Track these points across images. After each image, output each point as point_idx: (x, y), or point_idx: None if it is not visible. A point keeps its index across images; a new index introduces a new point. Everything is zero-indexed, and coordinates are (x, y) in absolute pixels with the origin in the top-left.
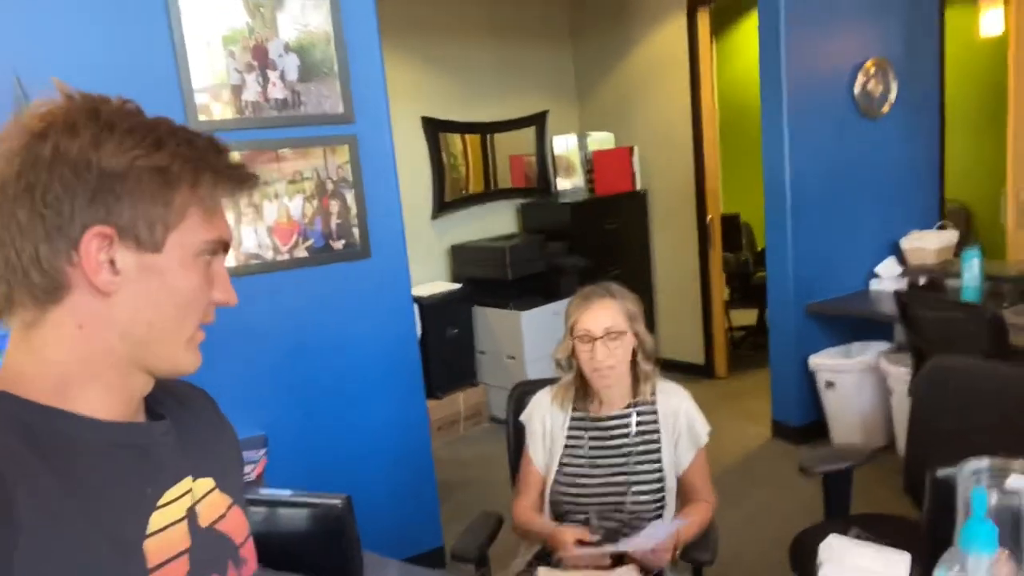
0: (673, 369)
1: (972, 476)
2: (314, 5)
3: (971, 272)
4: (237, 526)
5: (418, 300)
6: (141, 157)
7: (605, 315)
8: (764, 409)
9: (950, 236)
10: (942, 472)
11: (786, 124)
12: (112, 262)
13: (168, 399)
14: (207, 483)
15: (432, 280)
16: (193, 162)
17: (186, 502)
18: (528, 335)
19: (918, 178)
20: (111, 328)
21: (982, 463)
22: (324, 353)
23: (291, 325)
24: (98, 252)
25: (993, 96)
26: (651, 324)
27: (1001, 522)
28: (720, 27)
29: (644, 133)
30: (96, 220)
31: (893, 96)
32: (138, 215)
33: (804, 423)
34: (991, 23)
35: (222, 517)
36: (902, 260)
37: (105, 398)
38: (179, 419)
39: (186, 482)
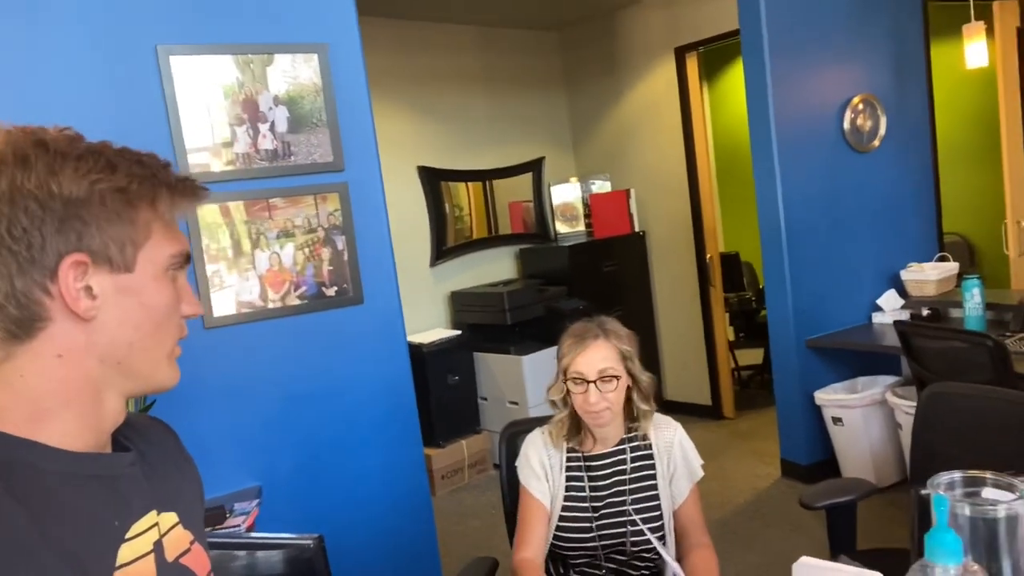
0: (680, 411)
1: (946, 489)
2: (304, 59)
3: (972, 301)
4: (200, 562)
5: (418, 348)
6: (100, 181)
7: (598, 357)
8: (773, 448)
9: (950, 267)
10: (924, 490)
11: (777, 161)
12: (89, 288)
13: (131, 432)
14: (171, 517)
15: (432, 327)
16: (149, 180)
17: (153, 535)
18: (530, 379)
19: (914, 210)
20: (90, 354)
21: (955, 475)
22: (318, 400)
23: (284, 373)
24: (76, 281)
25: (985, 127)
26: (655, 365)
27: (976, 534)
28: (714, 70)
29: (640, 175)
30: (69, 248)
31: (883, 130)
32: (108, 238)
33: (813, 461)
34: (975, 55)
35: (187, 552)
36: (903, 292)
37: (76, 427)
38: (142, 452)
39: (152, 515)
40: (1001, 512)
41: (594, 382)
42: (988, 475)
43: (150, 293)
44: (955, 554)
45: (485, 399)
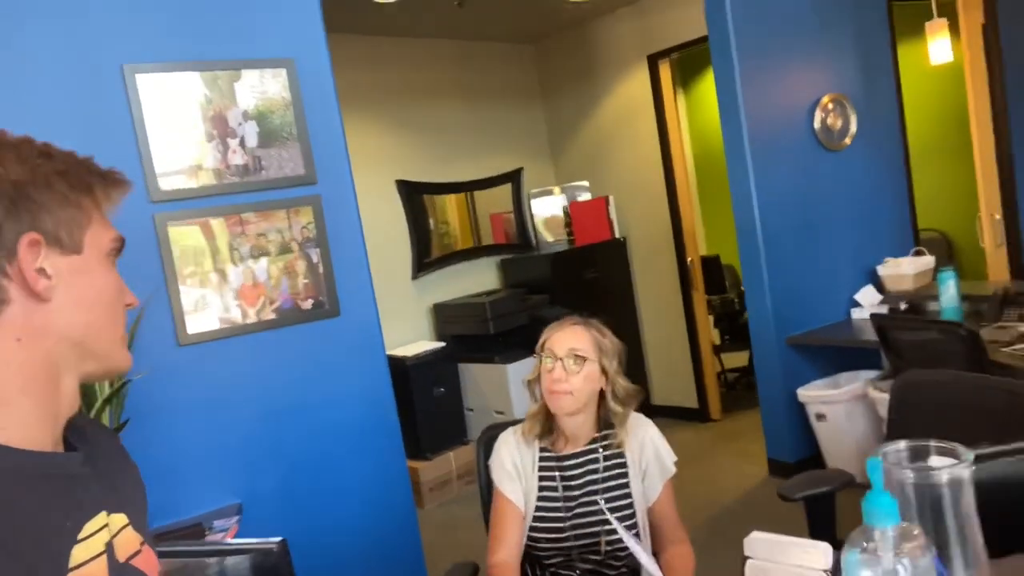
0: (666, 414)
1: (893, 459)
2: (272, 74)
3: (948, 293)
4: (150, 564)
5: (402, 361)
6: (42, 165)
7: (571, 337)
8: (760, 448)
9: (926, 261)
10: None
11: (750, 163)
12: (43, 269)
13: (75, 435)
14: (121, 519)
15: (415, 340)
16: (83, 166)
17: (104, 536)
18: (515, 388)
19: (888, 206)
20: (48, 335)
21: (900, 444)
22: (298, 415)
23: (262, 388)
24: (33, 260)
25: (956, 123)
26: (641, 370)
27: (922, 501)
28: (690, 75)
29: (619, 182)
30: (23, 228)
31: (853, 128)
32: (59, 220)
33: (799, 458)
34: (939, 51)
35: (137, 553)
36: (881, 288)
37: (33, 417)
38: (88, 454)
39: (102, 516)
40: (944, 477)
41: (562, 359)
42: (932, 443)
43: (99, 274)
44: (891, 515)
45: (471, 410)
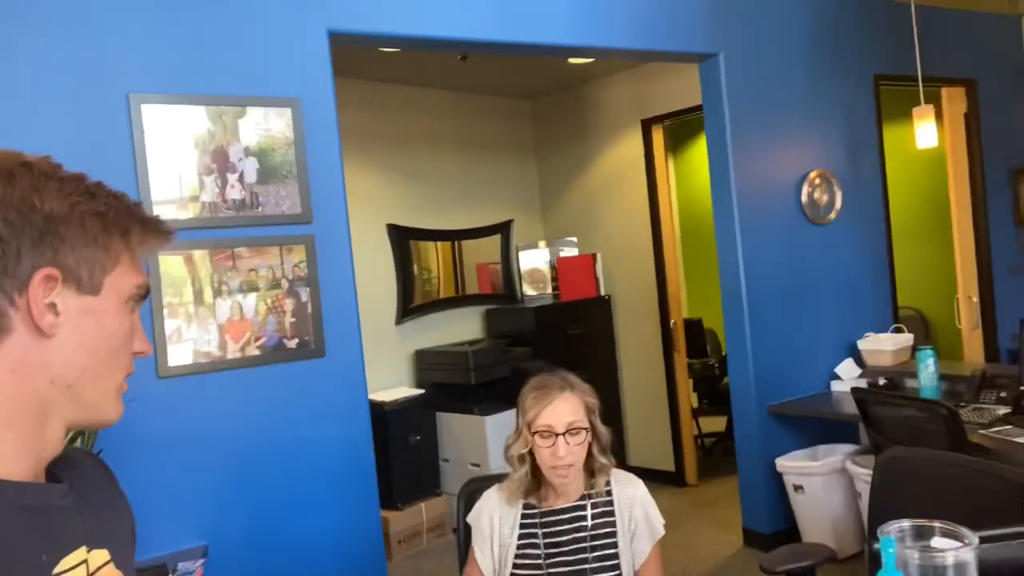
0: (642, 476)
1: (896, 538)
2: (277, 113)
3: (927, 371)
4: None
5: (380, 406)
6: (81, 203)
7: (567, 409)
8: (736, 516)
9: (905, 338)
10: (876, 544)
11: (738, 231)
12: (53, 305)
13: (63, 464)
14: (103, 555)
15: (395, 386)
16: (124, 211)
17: (81, 573)
18: (493, 441)
19: (870, 282)
20: (43, 373)
21: (904, 524)
22: (273, 456)
23: (238, 426)
24: (45, 295)
25: (937, 206)
26: (618, 430)
27: None
28: (680, 141)
29: (606, 241)
30: (43, 262)
31: (839, 204)
32: (81, 258)
33: (775, 530)
34: (925, 136)
35: None
36: (860, 362)
37: (14, 451)
38: (74, 486)
39: (81, 552)
40: (949, 559)
41: (563, 435)
42: (937, 524)
43: (110, 319)
44: None
45: (447, 460)
